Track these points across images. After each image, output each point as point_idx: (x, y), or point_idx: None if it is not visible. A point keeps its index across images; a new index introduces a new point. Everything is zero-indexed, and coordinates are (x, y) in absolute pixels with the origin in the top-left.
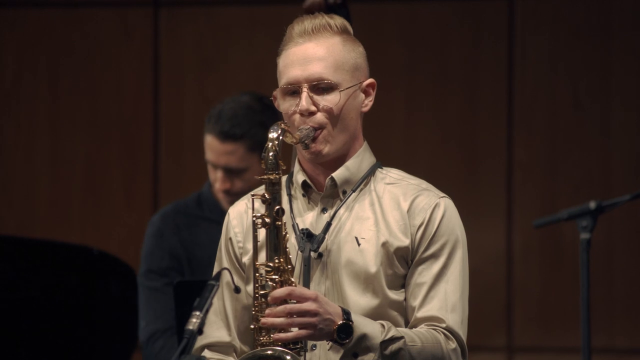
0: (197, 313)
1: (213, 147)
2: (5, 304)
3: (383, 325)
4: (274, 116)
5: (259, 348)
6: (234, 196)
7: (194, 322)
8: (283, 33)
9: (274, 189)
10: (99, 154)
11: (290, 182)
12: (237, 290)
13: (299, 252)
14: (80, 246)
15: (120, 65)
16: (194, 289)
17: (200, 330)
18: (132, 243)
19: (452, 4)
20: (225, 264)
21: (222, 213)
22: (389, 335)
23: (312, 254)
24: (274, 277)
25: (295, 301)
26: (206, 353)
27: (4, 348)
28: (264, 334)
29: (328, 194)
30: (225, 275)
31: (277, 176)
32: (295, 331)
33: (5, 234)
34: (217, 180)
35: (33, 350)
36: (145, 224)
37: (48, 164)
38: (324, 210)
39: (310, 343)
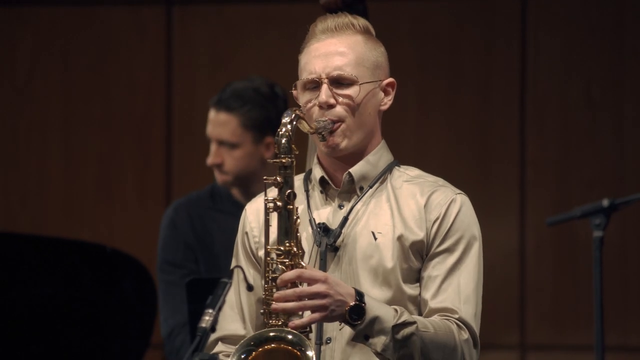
0: (210, 311)
1: (210, 118)
2: (19, 302)
3: (396, 310)
4: (279, 105)
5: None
6: (225, 174)
7: (206, 320)
8: (295, 31)
9: (286, 172)
10: (112, 151)
11: (308, 179)
12: (249, 288)
13: (316, 245)
14: (94, 244)
15: (133, 63)
16: (206, 286)
17: (213, 328)
18: (145, 240)
19: (465, 3)
20: (242, 258)
21: (235, 205)
22: (401, 320)
23: (329, 247)
24: (284, 260)
25: (305, 284)
26: (220, 346)
27: (18, 346)
28: (274, 317)
29: (345, 190)
30: (240, 272)
31: (289, 160)
32: (307, 315)
33: (19, 232)
34: (210, 154)
35: (46, 348)
36: (158, 221)
37: (61, 161)
38: (340, 205)
39: (324, 336)
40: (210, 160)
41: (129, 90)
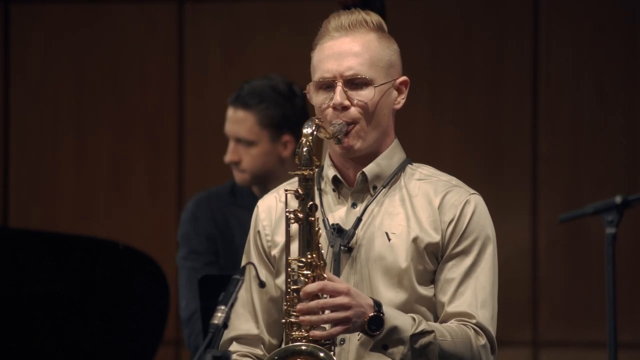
0: (222, 307)
1: (228, 115)
2: (31, 299)
3: (414, 319)
4: (296, 103)
5: (290, 343)
6: (243, 172)
7: (219, 317)
8: (306, 28)
9: (307, 184)
10: (124, 148)
11: (320, 176)
12: (262, 284)
13: (330, 247)
14: (106, 241)
15: (145, 59)
16: (218, 283)
17: (225, 325)
18: (157, 237)
19: (477, 0)
20: (254, 257)
21: (255, 201)
22: (419, 329)
23: (343, 249)
24: (306, 272)
25: (327, 295)
26: (234, 345)
27: (30, 343)
28: (295, 328)
29: (358, 189)
30: (252, 269)
31: (310, 172)
32: (329, 327)
33: (31, 229)
34: (228, 152)
35: (58, 345)
36: (171, 217)
37: (73, 158)
38: (354, 205)
39: (339, 337)
40: (228, 157)
41: (140, 87)
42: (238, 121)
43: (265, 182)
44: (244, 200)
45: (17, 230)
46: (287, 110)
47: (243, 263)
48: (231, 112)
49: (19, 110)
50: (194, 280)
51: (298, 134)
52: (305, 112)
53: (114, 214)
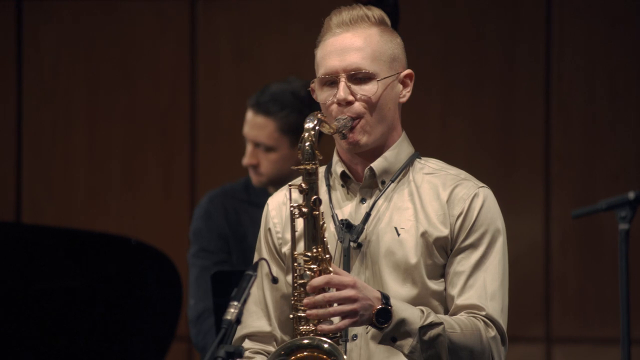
0: (235, 303)
1: (248, 119)
2: (44, 294)
3: (422, 311)
4: (316, 109)
5: (298, 337)
6: (260, 176)
7: (231, 312)
8: (318, 23)
9: (310, 179)
10: (137, 144)
11: (329, 172)
12: (274, 280)
13: (339, 242)
14: (119, 236)
15: (157, 55)
16: (231, 279)
17: (238, 321)
18: (169, 232)
19: None
20: (265, 254)
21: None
22: (428, 321)
23: (352, 244)
24: (312, 266)
25: (334, 289)
26: (247, 343)
27: (42, 337)
28: (303, 323)
29: (367, 184)
30: (264, 266)
31: (313, 166)
32: (337, 320)
33: (44, 225)
34: (245, 155)
35: (71, 340)
36: (183, 213)
37: (86, 154)
38: (362, 200)
39: (350, 333)
40: (246, 160)
41: (153, 83)
42: (258, 126)
43: (281, 185)
44: (258, 198)
45: (30, 226)
46: (306, 116)
47: (255, 260)
48: (251, 116)
49: (31, 107)
50: (203, 278)
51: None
52: None
53: (127, 209)
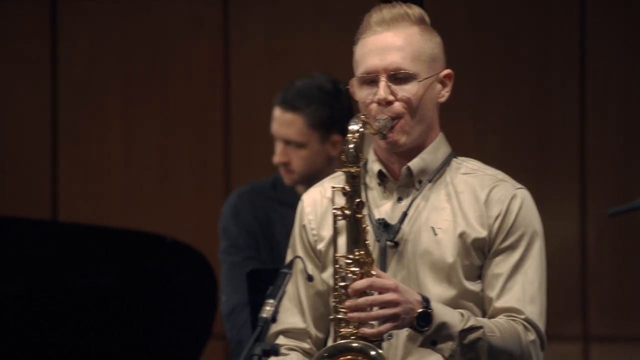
0: (271, 301)
1: (275, 117)
2: (79, 292)
3: (462, 314)
4: (343, 102)
5: (339, 339)
6: (292, 174)
7: (267, 310)
8: (351, 21)
9: (354, 181)
10: (171, 142)
11: (365, 171)
12: (309, 278)
13: (376, 241)
14: (153, 234)
15: (191, 54)
16: (267, 277)
17: (274, 319)
18: (204, 229)
19: None
20: (299, 251)
21: (296, 197)
22: (468, 325)
23: (389, 243)
24: (353, 269)
25: (376, 292)
26: (281, 339)
27: (79, 333)
28: (343, 325)
29: (404, 184)
30: (299, 263)
31: (357, 169)
32: (378, 324)
33: (80, 222)
34: (276, 153)
35: (107, 339)
36: (217, 211)
37: (121, 152)
38: (399, 199)
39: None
40: (277, 159)
41: (187, 81)
42: (287, 123)
43: (313, 181)
44: (286, 196)
45: (65, 224)
46: (334, 110)
47: (289, 257)
48: (278, 114)
49: (67, 106)
50: (233, 274)
51: (346, 133)
52: (351, 109)
53: (162, 206)
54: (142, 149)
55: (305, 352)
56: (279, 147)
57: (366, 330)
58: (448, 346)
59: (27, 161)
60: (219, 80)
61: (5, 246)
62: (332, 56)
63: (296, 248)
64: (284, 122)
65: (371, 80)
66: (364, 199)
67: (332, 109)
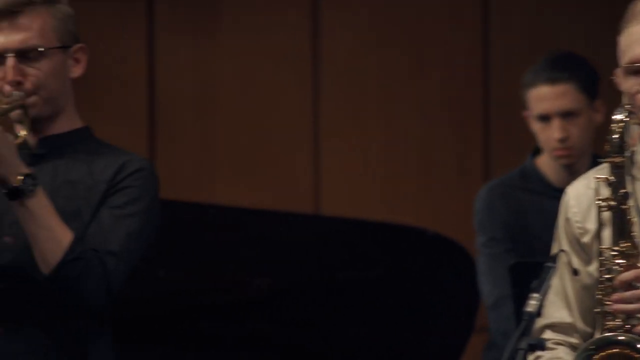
0: (536, 295)
1: (542, 95)
2: (346, 283)
3: None
4: (590, 65)
5: (607, 332)
6: (571, 149)
7: (533, 304)
8: (618, 11)
9: (618, 172)
10: (431, 133)
11: (631, 162)
12: (575, 272)
13: None
14: (415, 227)
15: (450, 46)
16: (530, 270)
17: (539, 313)
18: (463, 223)
19: None
20: (564, 244)
21: (546, 185)
22: None
23: None
24: (619, 261)
25: None
26: (547, 334)
27: (349, 325)
28: (609, 318)
29: None
30: (564, 256)
31: (622, 159)
32: None
33: (343, 216)
34: (553, 130)
35: (371, 330)
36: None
37: (381, 145)
38: None
39: None
40: (558, 134)
41: (446, 73)
42: (560, 95)
43: (586, 158)
44: (534, 185)
45: (329, 217)
46: (593, 74)
47: (553, 250)
48: (546, 90)
49: (327, 100)
50: (494, 266)
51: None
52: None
53: (423, 199)
54: (402, 142)
55: (572, 347)
56: (555, 123)
57: (638, 327)
58: None
59: (289, 154)
60: (477, 75)
61: (278, 239)
62: (597, 44)
63: (561, 241)
64: (557, 95)
65: (637, 70)
66: (630, 190)
67: (592, 73)
